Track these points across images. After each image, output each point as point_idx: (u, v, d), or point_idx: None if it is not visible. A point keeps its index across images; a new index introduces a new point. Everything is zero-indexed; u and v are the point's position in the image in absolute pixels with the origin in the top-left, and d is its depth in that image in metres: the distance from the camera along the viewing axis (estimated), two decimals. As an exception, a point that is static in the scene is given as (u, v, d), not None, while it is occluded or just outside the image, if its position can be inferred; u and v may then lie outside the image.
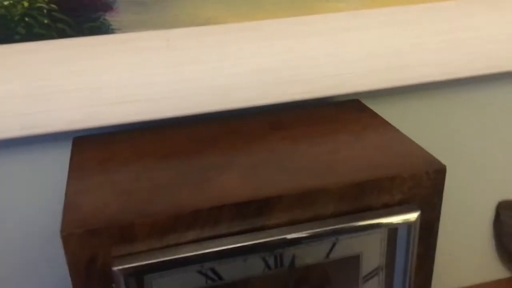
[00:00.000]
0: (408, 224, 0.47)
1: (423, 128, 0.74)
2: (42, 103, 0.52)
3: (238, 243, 0.45)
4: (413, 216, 0.47)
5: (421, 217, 0.48)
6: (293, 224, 0.46)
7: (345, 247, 0.49)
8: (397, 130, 0.55)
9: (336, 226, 0.46)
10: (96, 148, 0.54)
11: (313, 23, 0.57)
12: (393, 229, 0.49)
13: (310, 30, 0.56)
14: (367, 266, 0.51)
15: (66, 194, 0.46)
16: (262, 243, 0.45)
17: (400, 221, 0.47)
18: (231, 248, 0.44)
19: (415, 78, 0.61)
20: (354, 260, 0.50)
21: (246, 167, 0.50)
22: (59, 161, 0.59)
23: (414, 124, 0.73)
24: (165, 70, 0.54)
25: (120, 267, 0.43)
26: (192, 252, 0.44)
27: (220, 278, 0.47)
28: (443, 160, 0.49)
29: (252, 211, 0.45)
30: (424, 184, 0.48)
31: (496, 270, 0.90)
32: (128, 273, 0.43)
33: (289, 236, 0.45)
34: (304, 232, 0.46)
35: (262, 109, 0.61)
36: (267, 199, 0.45)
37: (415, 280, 0.51)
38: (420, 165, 0.48)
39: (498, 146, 0.80)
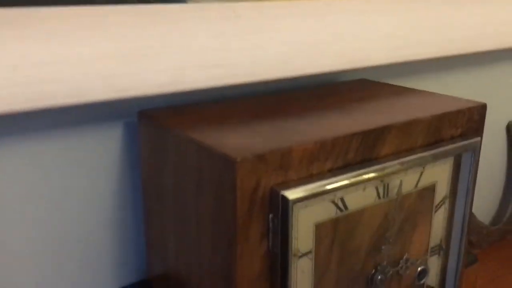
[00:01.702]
0: (473, 149, 0.57)
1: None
2: (129, 65, 0.51)
3: (362, 171, 0.49)
4: (476, 141, 0.57)
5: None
6: (396, 154, 0.52)
7: (424, 178, 0.56)
8: (427, 91, 0.66)
9: (428, 153, 0.54)
10: (179, 116, 0.54)
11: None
12: (458, 159, 0.58)
13: (354, 8, 0.65)
14: (438, 196, 0.58)
15: (202, 143, 0.46)
16: (378, 169, 0.50)
17: (468, 146, 0.57)
18: (358, 176, 0.49)
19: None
20: (431, 189, 0.57)
21: (344, 113, 0.55)
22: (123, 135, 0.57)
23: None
24: (234, 38, 0.57)
25: (279, 194, 0.44)
26: (332, 181, 0.47)
27: (345, 207, 0.50)
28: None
29: (371, 140, 0.50)
30: (474, 118, 0.59)
31: None
32: (285, 201, 0.44)
33: (396, 164, 0.51)
34: (406, 161, 0.52)
35: (299, 85, 0.67)
36: (383, 128, 0.51)
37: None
38: (469, 103, 0.59)
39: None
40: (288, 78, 0.61)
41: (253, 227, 0.44)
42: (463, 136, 0.58)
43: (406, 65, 0.78)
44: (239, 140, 0.46)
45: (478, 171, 0.59)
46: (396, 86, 0.69)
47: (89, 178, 0.59)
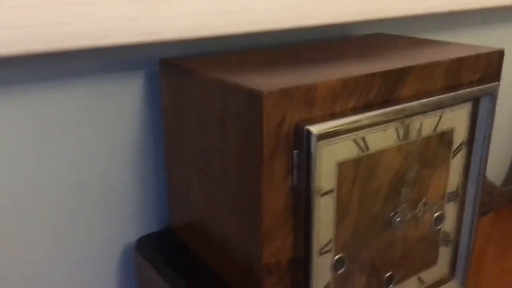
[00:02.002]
0: (491, 93, 0.57)
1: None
2: (153, 9, 0.51)
3: (383, 111, 0.50)
4: (494, 85, 0.57)
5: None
6: (416, 97, 0.53)
7: (443, 122, 0.57)
8: (445, 41, 0.66)
9: (447, 96, 0.54)
10: (200, 62, 0.55)
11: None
12: (475, 105, 0.58)
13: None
14: (456, 141, 0.59)
15: (226, 81, 0.47)
16: (398, 110, 0.51)
17: (486, 90, 0.57)
18: (380, 115, 0.49)
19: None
20: (448, 135, 0.58)
21: (363, 59, 0.55)
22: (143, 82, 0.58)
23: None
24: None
25: (304, 129, 0.44)
26: (355, 119, 0.48)
27: (367, 147, 0.51)
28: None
29: (393, 81, 0.50)
30: (492, 63, 0.59)
31: None
32: (309, 136, 0.45)
33: (416, 105, 0.52)
34: (425, 102, 0.53)
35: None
36: (404, 68, 0.51)
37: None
38: (487, 49, 0.59)
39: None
40: (307, 27, 0.61)
41: (278, 162, 0.45)
42: (481, 81, 0.58)
43: (421, 19, 0.78)
44: (264, 78, 0.47)
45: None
46: (413, 37, 0.69)
47: (110, 127, 0.59)
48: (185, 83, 0.53)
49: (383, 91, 0.50)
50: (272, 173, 0.45)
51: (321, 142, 0.46)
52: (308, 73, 0.49)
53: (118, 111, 0.59)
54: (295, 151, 0.45)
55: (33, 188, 0.57)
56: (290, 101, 0.44)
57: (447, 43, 0.64)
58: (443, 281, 0.66)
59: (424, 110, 0.54)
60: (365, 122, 0.49)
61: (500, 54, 0.59)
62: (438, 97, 0.54)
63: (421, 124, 0.54)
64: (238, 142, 0.47)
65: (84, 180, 0.60)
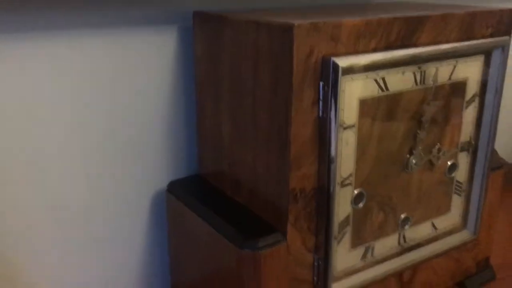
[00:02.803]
0: (502, 45, 0.61)
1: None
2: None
3: (402, 52, 0.54)
4: (505, 39, 0.62)
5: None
6: (433, 44, 0.57)
7: (459, 72, 0.61)
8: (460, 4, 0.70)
9: (461, 45, 0.58)
10: (232, 13, 0.59)
11: None
12: (488, 58, 0.62)
13: None
14: (469, 93, 0.63)
15: (260, 21, 0.51)
16: (415, 56, 0.55)
17: (498, 43, 0.61)
18: (399, 57, 0.54)
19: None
20: (462, 85, 0.62)
21: (383, 11, 0.60)
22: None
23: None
24: None
25: (330, 61, 0.49)
26: (376, 57, 0.52)
27: (386, 88, 0.55)
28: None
29: (412, 27, 0.55)
30: (504, 20, 0.63)
31: None
32: (335, 67, 0.49)
33: (432, 51, 0.56)
34: (441, 49, 0.57)
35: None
36: (422, 16, 0.55)
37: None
38: (500, 6, 0.63)
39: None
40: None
41: (306, 93, 0.49)
42: (493, 36, 0.62)
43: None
44: (294, 19, 0.51)
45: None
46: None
47: (145, 78, 0.64)
48: (219, 31, 0.58)
49: (403, 36, 0.54)
50: (300, 102, 0.49)
51: (345, 76, 0.51)
52: (335, 17, 0.54)
53: (152, 62, 0.64)
54: (321, 82, 0.50)
55: (72, 134, 0.62)
56: (318, 35, 0.48)
57: (466, 6, 0.68)
58: (455, 230, 0.69)
59: (440, 57, 0.58)
60: (385, 61, 0.53)
61: (511, 12, 0.63)
62: (453, 44, 0.58)
63: (436, 70, 0.58)
64: (270, 77, 0.51)
65: (119, 128, 0.65)
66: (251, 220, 0.57)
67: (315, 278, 0.56)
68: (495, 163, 0.71)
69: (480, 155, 0.67)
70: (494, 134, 0.66)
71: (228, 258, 0.55)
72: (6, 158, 0.58)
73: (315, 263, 0.56)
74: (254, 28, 0.52)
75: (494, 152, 0.69)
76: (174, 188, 0.66)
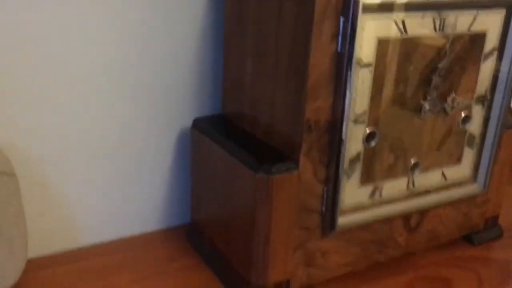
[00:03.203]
0: (524, 2, 0.63)
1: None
2: None
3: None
4: (528, -6, 0.63)
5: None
6: (454, -8, 0.59)
7: (479, 24, 0.62)
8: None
9: (482, -3, 0.60)
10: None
11: None
12: (509, 11, 0.64)
13: None
14: (488, 46, 0.65)
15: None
16: (436, 1, 0.57)
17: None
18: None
19: None
20: (481, 37, 0.63)
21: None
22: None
23: None
24: None
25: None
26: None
27: (405, 31, 0.57)
28: None
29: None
30: (529, -23, 0.64)
31: None
32: (356, 5, 0.51)
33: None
34: (462, -1, 0.59)
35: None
36: (445, -37, 0.57)
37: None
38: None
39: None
40: None
41: (326, 26, 0.52)
42: (516, -9, 0.64)
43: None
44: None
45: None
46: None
47: (174, 15, 0.68)
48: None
49: (424, -18, 0.56)
50: (320, 35, 0.52)
51: (365, 14, 0.53)
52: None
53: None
54: (341, 17, 0.52)
55: (105, 70, 0.66)
56: (341, -31, 0.51)
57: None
58: (465, 182, 0.71)
59: (460, 6, 0.59)
60: (406, 1, 0.55)
61: (537, -31, 0.64)
62: None
63: (455, 19, 0.60)
64: (293, 13, 0.54)
65: (149, 66, 0.69)
66: (267, 150, 0.60)
67: (323, 208, 0.60)
68: (510, 122, 0.73)
69: (494, 111, 0.68)
70: (510, 91, 0.68)
71: (244, 184, 0.59)
72: (46, 84, 0.63)
73: (324, 194, 0.59)
74: (281, -37, 0.54)
75: (510, 110, 0.70)
76: (199, 124, 0.69)
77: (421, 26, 0.58)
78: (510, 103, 0.69)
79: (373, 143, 0.60)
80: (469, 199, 0.73)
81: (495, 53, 0.66)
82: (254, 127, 0.64)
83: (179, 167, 0.75)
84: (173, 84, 0.71)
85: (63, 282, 0.65)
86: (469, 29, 0.62)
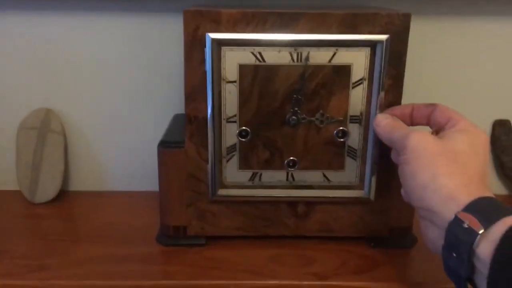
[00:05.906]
0: (382, 42, 0.77)
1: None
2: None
3: (277, 36, 0.78)
4: (385, 36, 0.77)
5: (391, 45, 0.78)
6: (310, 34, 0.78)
7: (341, 58, 0.79)
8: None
9: (337, 38, 0.78)
10: None
11: None
12: (373, 48, 0.79)
13: None
14: (355, 76, 0.81)
15: None
16: (291, 41, 0.78)
17: (377, 39, 0.77)
18: (271, 39, 0.78)
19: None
20: (346, 69, 0.80)
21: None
22: None
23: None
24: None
25: (210, 37, 0.77)
26: (252, 36, 0.78)
27: (263, 60, 0.80)
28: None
29: (286, 20, 0.78)
30: (395, 22, 0.78)
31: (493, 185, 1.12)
32: (215, 41, 0.77)
33: (306, 38, 0.78)
34: (315, 37, 0.78)
35: None
36: (296, 13, 0.78)
37: (386, 96, 0.80)
38: (393, 11, 0.78)
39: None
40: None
41: (194, 54, 0.79)
42: (382, 34, 0.78)
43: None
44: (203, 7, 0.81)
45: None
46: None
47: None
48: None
49: (278, 26, 0.78)
50: (191, 60, 0.79)
51: (225, 47, 0.78)
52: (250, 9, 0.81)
53: None
54: (205, 49, 0.79)
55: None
56: (202, 17, 0.77)
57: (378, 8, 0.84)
58: (353, 187, 0.86)
59: (316, 44, 0.78)
60: (260, 40, 0.78)
61: (405, 16, 0.77)
62: (329, 36, 0.78)
63: (308, 54, 0.78)
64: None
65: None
66: (176, 134, 0.89)
67: (208, 180, 0.85)
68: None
69: (371, 130, 0.82)
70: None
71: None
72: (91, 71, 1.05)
73: (208, 170, 0.85)
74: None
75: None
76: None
77: (278, 57, 0.79)
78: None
79: (246, 139, 0.83)
80: (362, 204, 0.87)
81: (365, 82, 0.81)
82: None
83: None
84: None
85: (90, 205, 1.05)
86: (330, 61, 0.80)
